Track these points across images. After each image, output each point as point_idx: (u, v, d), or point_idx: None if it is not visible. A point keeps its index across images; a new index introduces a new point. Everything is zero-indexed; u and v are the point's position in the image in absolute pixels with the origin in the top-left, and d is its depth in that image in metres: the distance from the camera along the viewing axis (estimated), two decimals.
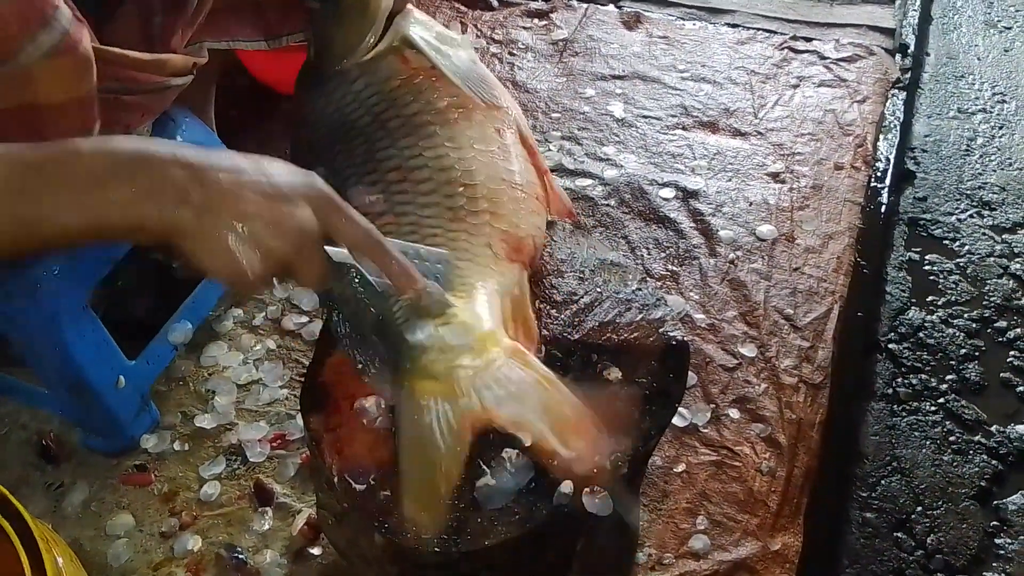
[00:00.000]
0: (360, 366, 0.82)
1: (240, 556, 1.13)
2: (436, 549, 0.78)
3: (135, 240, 0.76)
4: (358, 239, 0.74)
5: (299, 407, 0.90)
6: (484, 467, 0.81)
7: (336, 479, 0.81)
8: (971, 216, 1.67)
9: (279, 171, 0.71)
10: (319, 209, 0.71)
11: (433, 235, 0.89)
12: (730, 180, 1.68)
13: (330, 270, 0.74)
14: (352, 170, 0.96)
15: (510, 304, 0.88)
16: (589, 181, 1.67)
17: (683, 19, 2.11)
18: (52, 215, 0.61)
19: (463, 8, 2.14)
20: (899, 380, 1.41)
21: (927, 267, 1.58)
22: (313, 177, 0.73)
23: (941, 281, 1.56)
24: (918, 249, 1.62)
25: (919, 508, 1.25)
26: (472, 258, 0.88)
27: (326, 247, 0.73)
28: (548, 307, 0.95)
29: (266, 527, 1.16)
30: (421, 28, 1.00)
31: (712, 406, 1.29)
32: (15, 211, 0.60)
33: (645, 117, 1.83)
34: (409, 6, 1.02)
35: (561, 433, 0.77)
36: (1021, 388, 1.39)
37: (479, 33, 2.07)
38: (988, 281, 1.55)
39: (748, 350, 1.37)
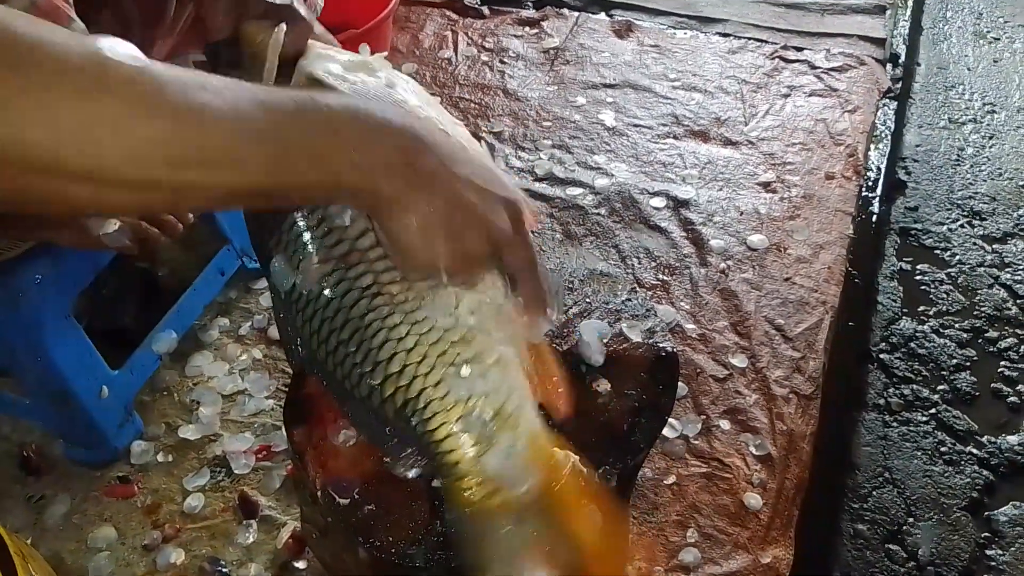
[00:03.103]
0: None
1: (224, 570, 1.11)
2: (421, 565, 0.76)
3: (335, 201, 0.73)
4: (524, 265, 0.72)
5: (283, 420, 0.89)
6: None
7: (320, 493, 0.80)
8: (962, 226, 1.68)
9: (493, 168, 0.70)
10: (513, 222, 0.68)
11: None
12: (721, 189, 1.67)
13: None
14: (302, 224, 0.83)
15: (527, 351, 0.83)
16: (580, 190, 1.67)
17: (674, 28, 2.11)
18: (296, 166, 0.58)
19: (454, 16, 2.14)
20: (890, 390, 1.40)
21: (918, 277, 1.58)
22: (516, 186, 0.71)
23: (932, 291, 1.56)
24: (909, 259, 1.62)
25: (911, 519, 1.24)
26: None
27: None
28: None
29: (250, 540, 1.15)
30: (325, 61, 0.95)
31: (703, 417, 1.28)
32: (266, 156, 0.56)
33: (636, 126, 1.82)
34: (311, 43, 0.98)
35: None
36: (1012, 398, 1.39)
37: (470, 41, 2.07)
38: (979, 291, 1.55)
39: (739, 361, 1.36)
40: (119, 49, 0.51)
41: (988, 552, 1.20)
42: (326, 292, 0.77)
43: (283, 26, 0.92)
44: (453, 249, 0.65)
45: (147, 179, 0.52)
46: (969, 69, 2.05)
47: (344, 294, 0.76)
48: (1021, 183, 1.76)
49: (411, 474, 0.77)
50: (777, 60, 1.99)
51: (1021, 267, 1.59)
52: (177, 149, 0.52)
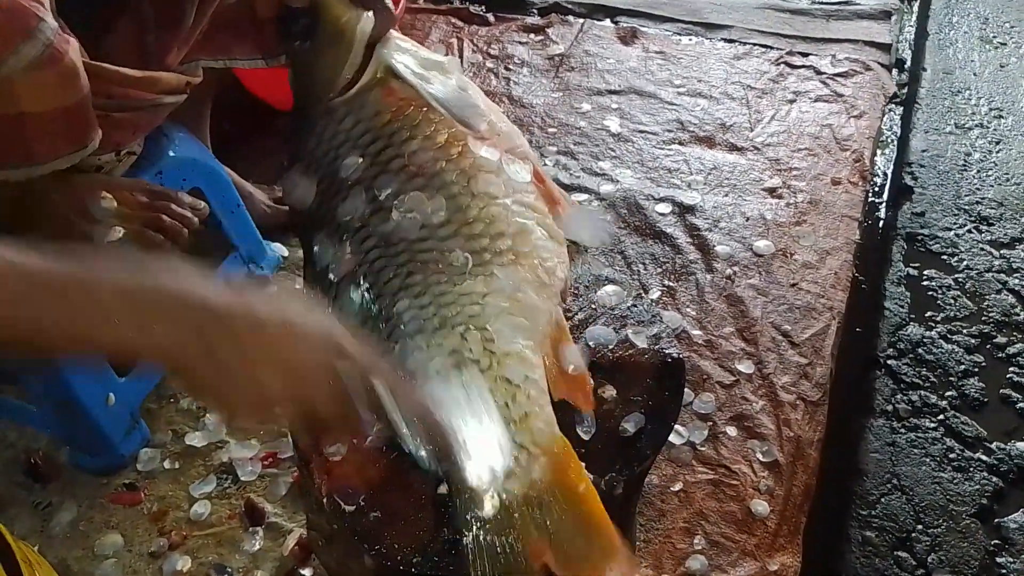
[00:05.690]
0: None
1: None
2: (426, 572, 0.76)
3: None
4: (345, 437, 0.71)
5: None
6: None
7: (325, 500, 0.80)
8: (969, 231, 1.67)
9: (303, 320, 0.65)
10: (334, 397, 0.65)
11: (454, 284, 0.83)
12: (727, 195, 1.67)
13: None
14: (359, 221, 0.88)
15: (550, 348, 0.83)
16: (585, 196, 1.67)
17: (679, 34, 2.11)
18: (57, 336, 0.57)
19: (459, 23, 2.14)
20: (898, 396, 1.39)
21: (926, 282, 1.57)
22: (337, 333, 0.66)
23: (940, 296, 1.55)
24: (916, 264, 1.61)
25: (919, 526, 1.23)
26: (503, 309, 0.82)
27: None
28: None
29: (257, 547, 1.15)
30: (404, 55, 0.94)
31: (709, 424, 1.28)
32: (19, 321, 0.56)
33: (641, 132, 1.82)
34: (391, 32, 0.97)
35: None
36: (1021, 404, 1.38)
37: (475, 48, 2.07)
38: (987, 296, 1.54)
39: (745, 367, 1.36)
40: None
41: (999, 560, 1.19)
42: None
43: (371, 14, 0.92)
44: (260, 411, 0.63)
45: None
46: (975, 74, 2.05)
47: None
48: None
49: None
50: (783, 66, 1.99)
51: None
52: None
